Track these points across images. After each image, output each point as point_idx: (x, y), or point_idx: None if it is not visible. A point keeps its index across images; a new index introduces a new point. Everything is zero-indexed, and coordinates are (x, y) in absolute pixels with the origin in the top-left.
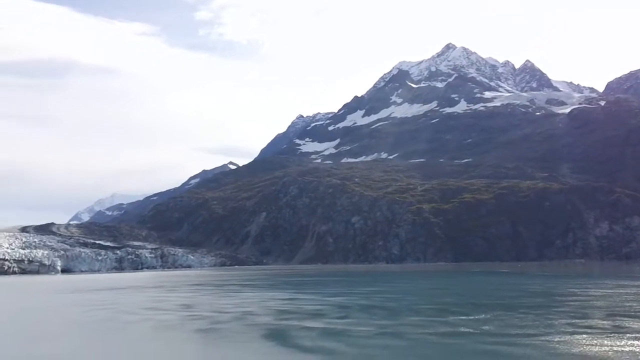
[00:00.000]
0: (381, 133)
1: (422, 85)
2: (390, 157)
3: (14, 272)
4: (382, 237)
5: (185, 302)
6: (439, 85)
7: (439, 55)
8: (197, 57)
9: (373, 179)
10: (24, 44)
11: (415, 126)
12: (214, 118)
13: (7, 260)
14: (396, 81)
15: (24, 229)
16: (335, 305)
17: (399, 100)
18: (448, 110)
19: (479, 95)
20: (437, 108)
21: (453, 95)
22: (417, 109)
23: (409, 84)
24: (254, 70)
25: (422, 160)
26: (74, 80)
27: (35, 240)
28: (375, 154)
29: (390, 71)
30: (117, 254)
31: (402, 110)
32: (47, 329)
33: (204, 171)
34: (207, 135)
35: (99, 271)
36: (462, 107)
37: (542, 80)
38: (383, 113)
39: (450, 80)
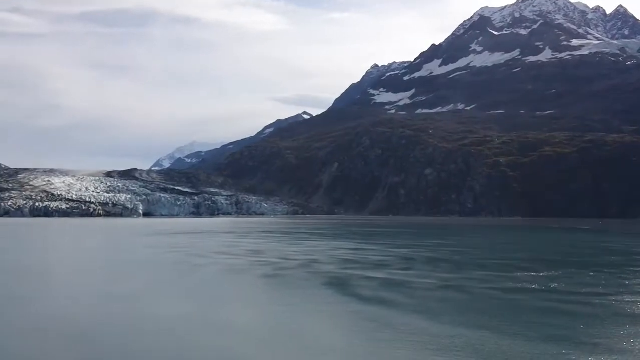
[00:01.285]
0: (459, 83)
1: (504, 32)
2: (468, 108)
3: (99, 215)
4: (455, 190)
5: (255, 248)
6: (523, 32)
7: (523, 0)
8: (273, 6)
9: (448, 131)
10: None
11: (495, 76)
12: (289, 67)
13: (92, 203)
14: (477, 28)
15: (108, 174)
16: (400, 257)
17: (479, 49)
18: (531, 59)
19: (565, 43)
20: (519, 57)
21: (537, 43)
22: (498, 57)
23: (491, 31)
24: (331, 18)
25: (501, 111)
26: (156, 30)
27: (119, 185)
28: (452, 105)
29: (471, 18)
30: (194, 199)
31: (482, 59)
32: (124, 269)
33: (279, 121)
34: (282, 85)
35: (177, 216)
36: (546, 55)
37: (635, 28)
38: (461, 62)
39: (535, 27)
